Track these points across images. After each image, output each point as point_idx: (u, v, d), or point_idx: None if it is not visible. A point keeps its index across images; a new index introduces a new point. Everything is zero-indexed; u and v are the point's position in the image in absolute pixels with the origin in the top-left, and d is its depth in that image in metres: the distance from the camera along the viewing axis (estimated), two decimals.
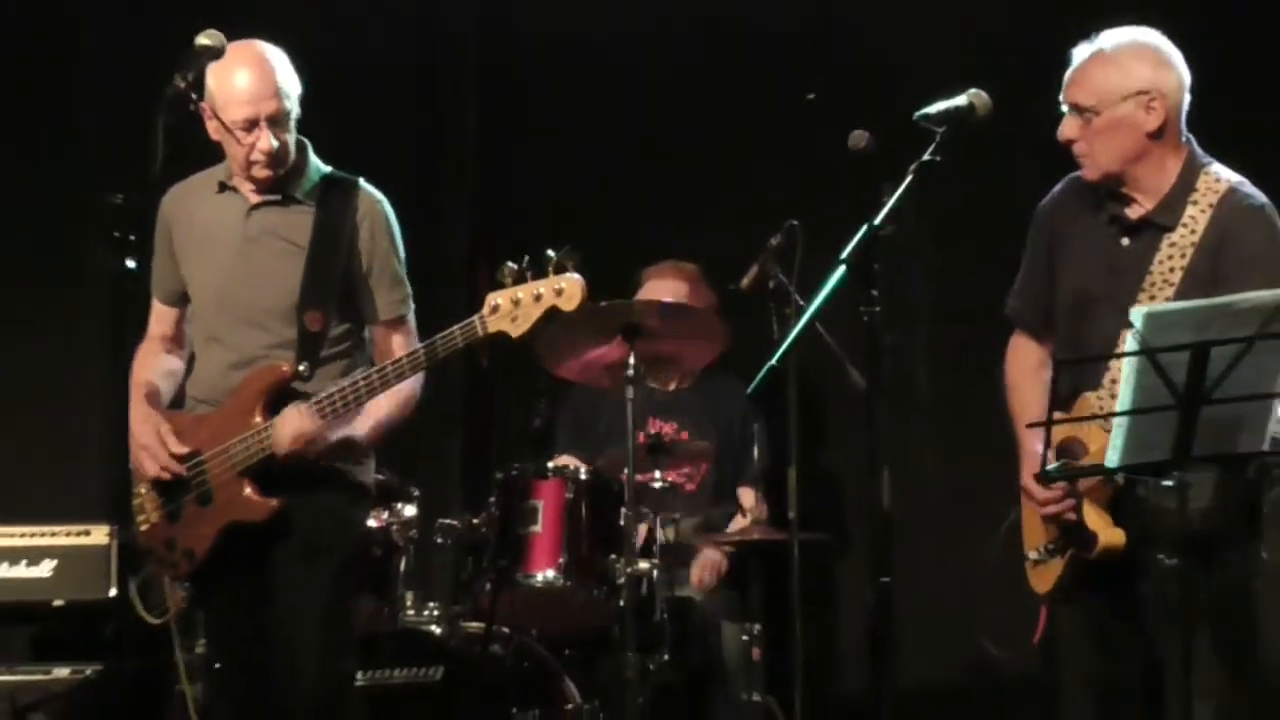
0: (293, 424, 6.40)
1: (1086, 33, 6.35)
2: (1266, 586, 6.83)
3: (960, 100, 6.08)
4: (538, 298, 6.24)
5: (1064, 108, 6.22)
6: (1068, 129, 6.16)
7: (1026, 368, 6.39)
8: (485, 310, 6.28)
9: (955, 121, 6.06)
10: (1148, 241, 6.16)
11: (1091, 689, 6.20)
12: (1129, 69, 6.15)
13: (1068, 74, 6.23)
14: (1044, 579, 6.24)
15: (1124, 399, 5.63)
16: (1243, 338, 5.46)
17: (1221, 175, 6.17)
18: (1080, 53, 6.24)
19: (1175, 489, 5.65)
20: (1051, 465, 5.89)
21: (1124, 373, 5.63)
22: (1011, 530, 6.41)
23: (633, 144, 9.60)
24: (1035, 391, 6.25)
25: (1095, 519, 6.05)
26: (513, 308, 6.26)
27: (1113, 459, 5.72)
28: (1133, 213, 6.20)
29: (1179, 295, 5.99)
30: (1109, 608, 6.21)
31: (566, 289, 6.22)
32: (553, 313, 6.27)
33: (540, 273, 6.25)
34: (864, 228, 5.87)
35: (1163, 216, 6.15)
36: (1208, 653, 5.98)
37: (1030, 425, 5.99)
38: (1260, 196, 6.11)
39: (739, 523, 8.68)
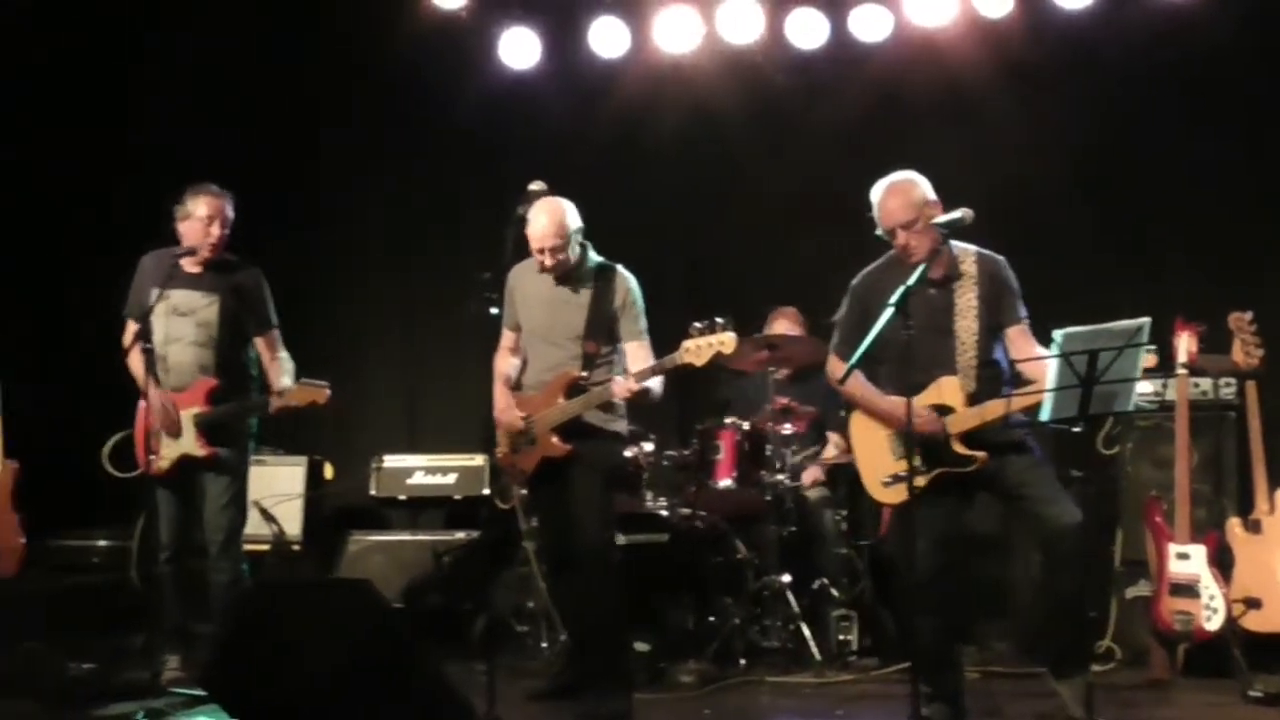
0: (620, 385, 6.58)
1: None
2: (1128, 481, 6.77)
3: (956, 214, 6.00)
4: (710, 345, 6.43)
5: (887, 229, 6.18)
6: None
7: (866, 383, 6.26)
8: (681, 350, 6.48)
9: (954, 225, 5.99)
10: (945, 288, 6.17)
11: (934, 543, 6.06)
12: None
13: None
14: (899, 494, 6.07)
15: (1050, 381, 5.66)
16: (1116, 346, 5.53)
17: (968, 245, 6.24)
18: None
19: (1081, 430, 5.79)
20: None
21: (1049, 366, 5.68)
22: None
23: (773, 237, 9.52)
24: (869, 388, 6.27)
25: (963, 448, 6.00)
26: (696, 349, 6.45)
27: (1044, 415, 5.75)
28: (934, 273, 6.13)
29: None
30: (941, 499, 6.12)
31: (726, 341, 6.43)
32: (719, 356, 6.46)
33: (712, 331, 6.44)
34: (903, 287, 5.77)
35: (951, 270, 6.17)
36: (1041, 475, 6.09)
37: (1014, 397, 5.97)
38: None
39: (831, 453, 8.58)
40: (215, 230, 7.36)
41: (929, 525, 6.05)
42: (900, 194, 6.16)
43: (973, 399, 6.03)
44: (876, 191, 6.22)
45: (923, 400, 6.02)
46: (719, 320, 6.46)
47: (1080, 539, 5.96)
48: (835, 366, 6.30)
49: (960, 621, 6.56)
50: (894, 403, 6.02)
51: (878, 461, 6.26)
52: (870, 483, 6.32)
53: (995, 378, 6.05)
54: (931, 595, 6.10)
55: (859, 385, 6.27)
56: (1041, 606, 6.23)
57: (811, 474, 8.46)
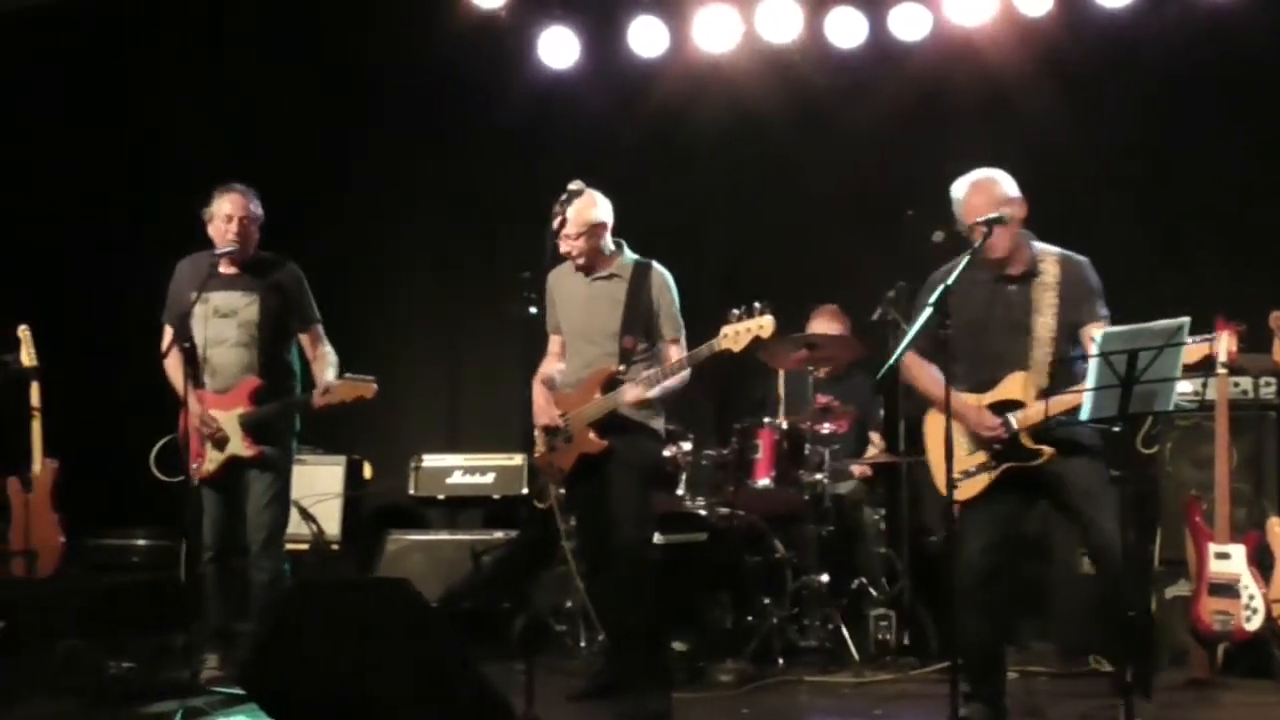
0: (631, 390, 6.60)
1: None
2: (1167, 480, 6.72)
3: (995, 212, 5.98)
4: (749, 330, 6.42)
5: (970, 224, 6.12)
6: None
7: (926, 372, 6.18)
8: (719, 336, 6.47)
9: (992, 224, 5.96)
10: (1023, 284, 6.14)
11: (992, 543, 6.11)
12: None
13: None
14: (968, 489, 6.11)
15: (1090, 380, 5.63)
16: (1155, 346, 5.52)
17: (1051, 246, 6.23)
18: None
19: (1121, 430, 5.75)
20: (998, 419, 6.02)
21: (1090, 365, 5.64)
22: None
23: (812, 237, 9.48)
24: (937, 384, 6.04)
25: (1030, 442, 6.00)
26: (735, 335, 6.43)
27: (1084, 414, 5.72)
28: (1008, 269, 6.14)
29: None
30: (1005, 498, 6.15)
31: (765, 325, 6.41)
32: (757, 340, 6.46)
33: (751, 315, 6.41)
34: (941, 286, 5.78)
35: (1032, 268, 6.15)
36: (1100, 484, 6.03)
37: (1054, 398, 5.93)
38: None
39: (872, 452, 8.63)
40: (236, 228, 7.35)
41: (989, 523, 6.11)
42: (984, 190, 6.14)
43: (1043, 395, 5.99)
44: (959, 187, 6.21)
45: (992, 397, 6.04)
46: (757, 305, 6.46)
47: (1121, 553, 5.97)
48: (908, 360, 6.27)
49: (1007, 623, 6.54)
50: (958, 398, 6.06)
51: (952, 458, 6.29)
52: (940, 480, 6.22)
53: (1068, 376, 6.02)
54: (982, 596, 6.11)
55: (917, 371, 6.27)
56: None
57: (860, 468, 8.50)
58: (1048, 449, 5.99)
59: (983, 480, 6.09)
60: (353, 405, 7.30)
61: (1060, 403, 5.88)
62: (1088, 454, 6.05)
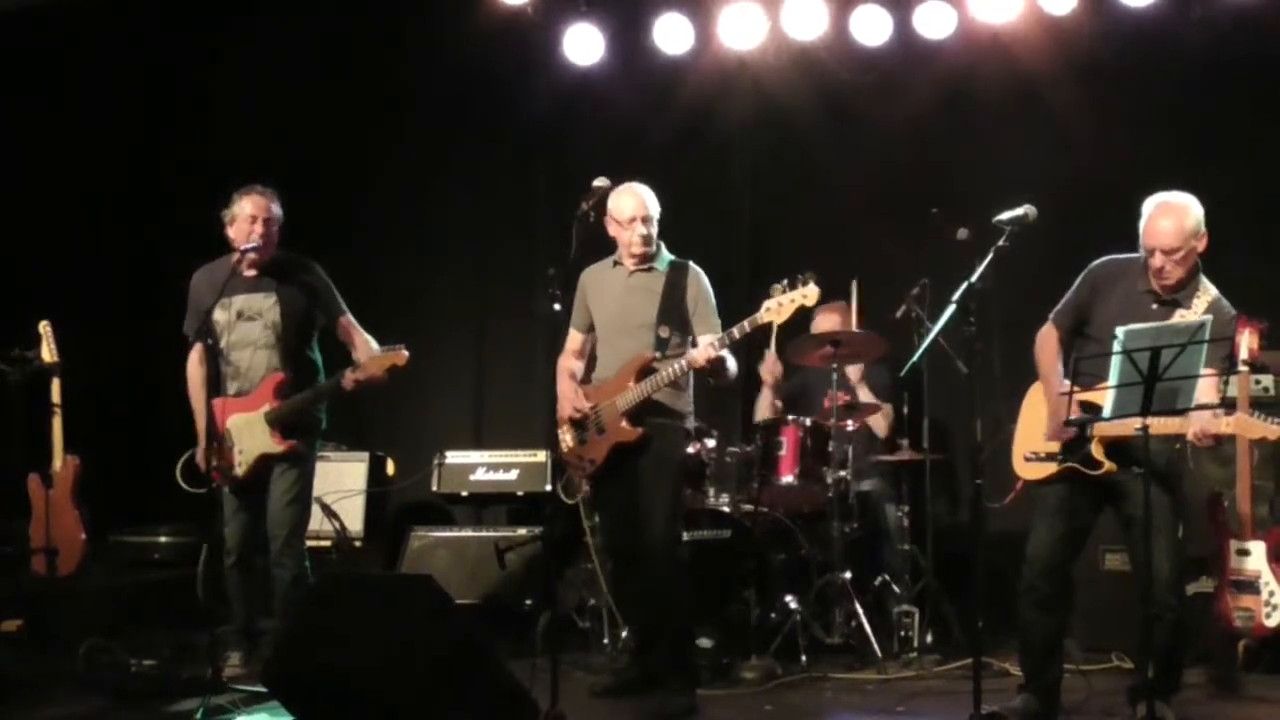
0: (701, 351, 6.72)
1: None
2: (1189, 481, 6.82)
3: (1019, 210, 6.16)
4: (792, 301, 6.54)
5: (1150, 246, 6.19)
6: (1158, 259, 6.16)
7: (1051, 349, 6.41)
8: (761, 310, 6.58)
9: (1017, 222, 6.13)
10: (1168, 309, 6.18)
11: (1059, 535, 6.34)
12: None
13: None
14: (1034, 471, 6.37)
15: (1112, 379, 5.79)
16: (1178, 343, 5.66)
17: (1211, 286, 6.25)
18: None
19: (1140, 431, 5.77)
20: (1074, 416, 6.03)
21: (1112, 363, 5.80)
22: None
23: (837, 234, 9.53)
24: (1055, 366, 6.37)
25: (1099, 452, 6.13)
26: (777, 307, 6.57)
27: (1106, 413, 5.89)
28: (1165, 293, 6.21)
29: None
30: (1078, 492, 6.32)
31: (809, 294, 6.54)
32: (800, 310, 6.60)
33: (794, 286, 6.54)
34: (965, 283, 5.97)
35: (1184, 298, 6.19)
36: (1162, 513, 6.06)
37: (1061, 394, 6.11)
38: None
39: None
40: (260, 229, 7.40)
41: (1060, 516, 6.34)
42: (1172, 216, 6.19)
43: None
44: (1150, 204, 6.26)
45: (1091, 393, 6.08)
46: (800, 276, 6.57)
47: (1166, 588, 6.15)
48: (1045, 330, 6.49)
49: (1067, 616, 6.66)
50: (1053, 384, 6.31)
51: (1029, 435, 6.45)
52: (1016, 452, 6.50)
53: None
54: (1045, 587, 6.35)
55: (1044, 343, 6.46)
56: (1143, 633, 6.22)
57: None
58: (1109, 464, 6.15)
59: (1047, 468, 6.31)
60: (391, 372, 7.34)
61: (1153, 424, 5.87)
62: (1165, 484, 6.18)
